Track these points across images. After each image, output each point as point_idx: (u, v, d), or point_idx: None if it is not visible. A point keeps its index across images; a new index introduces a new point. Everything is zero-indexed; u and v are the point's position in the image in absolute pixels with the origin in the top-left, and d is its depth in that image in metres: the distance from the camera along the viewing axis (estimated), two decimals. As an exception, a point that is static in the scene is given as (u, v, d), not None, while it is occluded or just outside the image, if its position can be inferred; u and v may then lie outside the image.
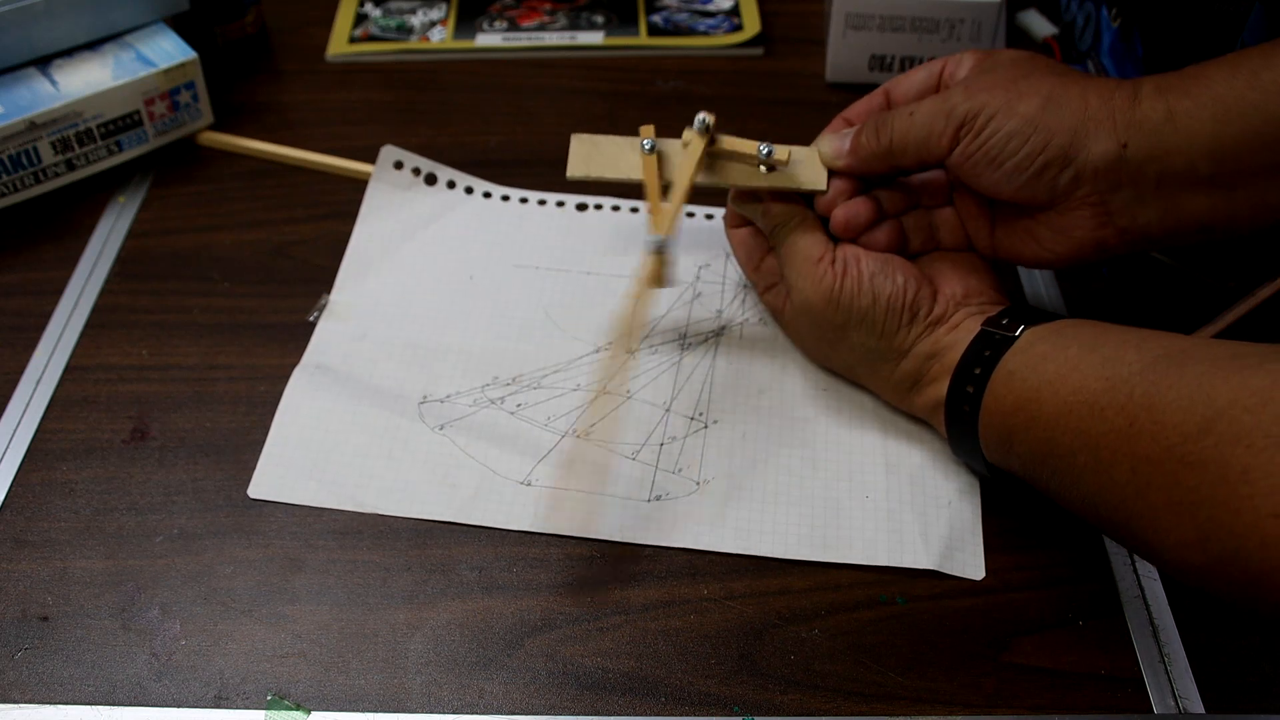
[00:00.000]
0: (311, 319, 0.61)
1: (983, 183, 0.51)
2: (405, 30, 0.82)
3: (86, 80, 0.66)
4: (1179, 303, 0.60)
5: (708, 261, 0.64)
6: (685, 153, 0.54)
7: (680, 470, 0.54)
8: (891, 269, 0.52)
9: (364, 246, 0.65)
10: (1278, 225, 0.48)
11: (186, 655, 0.47)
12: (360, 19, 0.83)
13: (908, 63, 0.75)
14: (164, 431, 0.56)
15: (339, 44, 0.80)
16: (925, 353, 0.52)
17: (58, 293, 0.62)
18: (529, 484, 0.54)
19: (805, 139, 0.56)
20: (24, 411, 0.56)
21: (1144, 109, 0.47)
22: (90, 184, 0.68)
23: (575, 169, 0.55)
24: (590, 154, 0.55)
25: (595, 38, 0.81)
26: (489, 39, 0.81)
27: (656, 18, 0.83)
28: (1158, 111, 0.47)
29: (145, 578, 0.50)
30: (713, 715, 0.46)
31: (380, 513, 0.53)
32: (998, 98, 0.49)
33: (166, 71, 0.68)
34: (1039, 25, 0.81)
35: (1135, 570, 0.51)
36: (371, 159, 0.68)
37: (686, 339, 0.60)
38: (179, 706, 0.46)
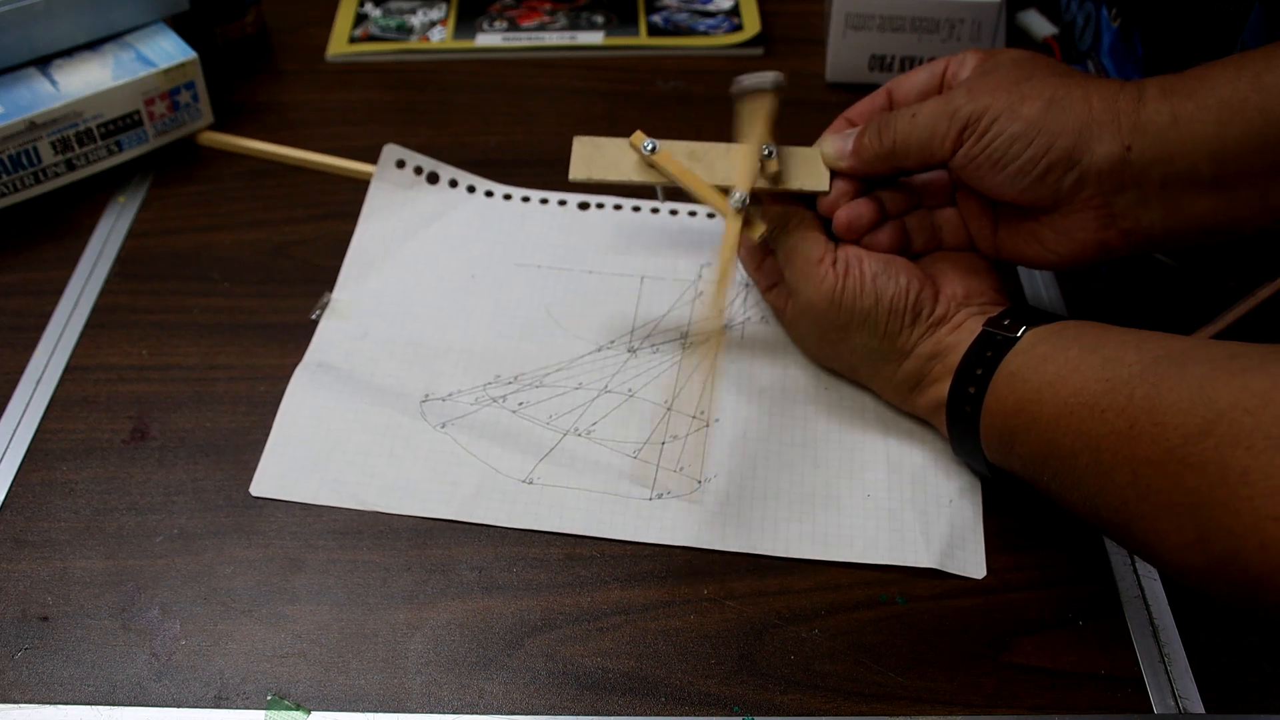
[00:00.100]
0: (314, 317, 0.61)
1: (986, 185, 0.51)
2: (405, 30, 0.82)
3: (86, 80, 0.66)
4: (1179, 303, 0.60)
5: (709, 261, 0.64)
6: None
7: (682, 469, 0.54)
8: (894, 270, 0.52)
9: (366, 245, 0.65)
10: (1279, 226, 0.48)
11: (186, 655, 0.47)
12: (360, 19, 0.83)
13: (908, 63, 0.75)
14: (164, 431, 0.56)
15: (339, 44, 0.80)
16: (927, 353, 0.52)
17: (58, 293, 0.62)
18: (530, 482, 0.54)
19: (806, 139, 0.56)
20: (24, 411, 0.56)
21: (1148, 112, 0.47)
22: (90, 184, 0.68)
23: (577, 171, 0.55)
24: (592, 156, 0.55)
25: (595, 38, 0.81)
26: (489, 39, 0.81)
27: (656, 18, 0.83)
28: (1162, 115, 0.47)
29: (145, 578, 0.50)
30: (713, 715, 0.46)
31: (382, 511, 0.53)
32: (1001, 100, 0.49)
33: (166, 71, 0.67)
34: (1039, 25, 0.81)
35: (1135, 570, 0.51)
36: (371, 159, 0.68)
37: (688, 338, 0.60)
38: (179, 706, 0.46)
